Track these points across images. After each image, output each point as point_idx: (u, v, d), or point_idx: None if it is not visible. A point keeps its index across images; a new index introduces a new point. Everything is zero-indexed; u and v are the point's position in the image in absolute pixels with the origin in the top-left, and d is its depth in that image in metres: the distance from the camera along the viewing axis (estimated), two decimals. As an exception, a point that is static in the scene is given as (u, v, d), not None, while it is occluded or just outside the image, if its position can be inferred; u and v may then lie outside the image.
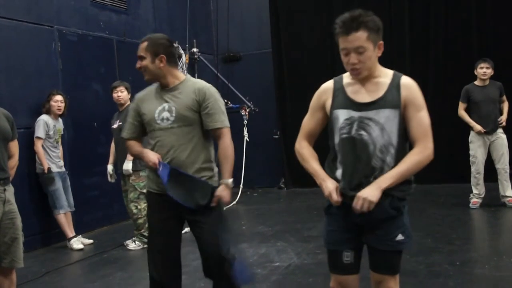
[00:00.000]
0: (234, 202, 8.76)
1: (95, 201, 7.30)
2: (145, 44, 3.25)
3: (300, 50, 9.98)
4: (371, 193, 2.48)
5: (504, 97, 7.00)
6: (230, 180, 3.29)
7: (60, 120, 6.55)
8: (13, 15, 6.39)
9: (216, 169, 3.38)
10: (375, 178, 2.54)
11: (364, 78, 2.58)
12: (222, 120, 3.29)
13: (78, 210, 6.71)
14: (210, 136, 3.33)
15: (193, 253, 5.73)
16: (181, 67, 9.28)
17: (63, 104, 6.40)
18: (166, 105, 3.23)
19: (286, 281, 4.58)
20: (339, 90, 2.66)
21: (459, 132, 7.41)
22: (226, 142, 3.30)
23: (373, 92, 2.58)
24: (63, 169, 6.50)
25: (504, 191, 6.85)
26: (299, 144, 2.80)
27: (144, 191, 6.02)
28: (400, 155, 2.56)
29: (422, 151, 2.53)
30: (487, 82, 6.91)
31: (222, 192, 3.26)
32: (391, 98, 2.54)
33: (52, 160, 6.30)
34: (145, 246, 5.95)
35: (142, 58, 3.25)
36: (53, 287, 5.06)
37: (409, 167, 2.53)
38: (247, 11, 10.71)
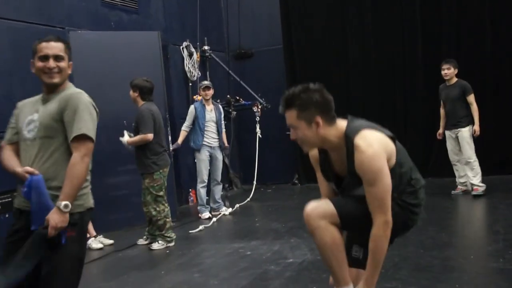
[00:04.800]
0: (248, 199, 8.79)
1: (118, 201, 7.06)
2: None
3: (312, 46, 9.92)
4: None
5: (470, 97, 7.11)
6: (64, 203, 2.73)
7: None
8: (24, 17, 6.44)
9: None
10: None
11: (329, 148, 2.64)
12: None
13: (100, 210, 6.65)
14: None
15: (207, 250, 5.79)
16: (192, 65, 9.31)
17: None
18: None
19: (300, 277, 4.57)
20: (325, 154, 2.73)
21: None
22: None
23: (340, 164, 2.65)
24: None
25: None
26: None
27: (161, 193, 6.03)
28: None
29: (376, 228, 2.56)
30: (451, 82, 7.27)
31: (51, 215, 2.71)
32: (353, 172, 2.55)
33: None
34: (169, 245, 6.01)
35: None
36: (69, 286, 5.09)
37: (377, 252, 2.57)
38: (258, 7, 10.69)
